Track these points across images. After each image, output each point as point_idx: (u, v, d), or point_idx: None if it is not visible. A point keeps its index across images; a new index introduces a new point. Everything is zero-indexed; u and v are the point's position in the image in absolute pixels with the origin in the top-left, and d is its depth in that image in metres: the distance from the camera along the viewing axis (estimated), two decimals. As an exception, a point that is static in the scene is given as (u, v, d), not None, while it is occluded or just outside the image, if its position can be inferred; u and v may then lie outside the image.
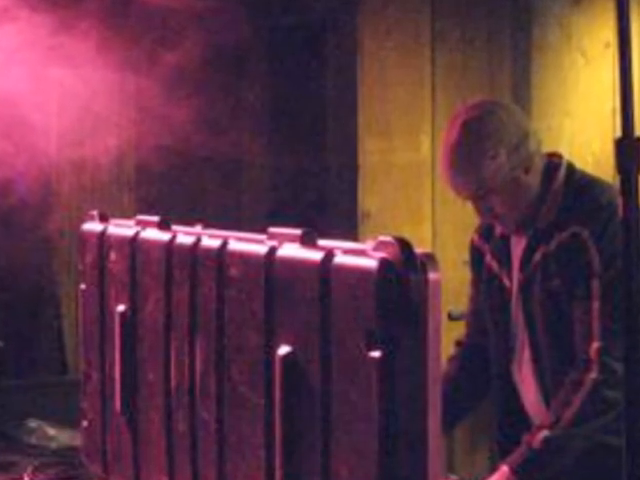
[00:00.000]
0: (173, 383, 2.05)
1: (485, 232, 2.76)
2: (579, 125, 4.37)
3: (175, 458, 2.06)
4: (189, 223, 2.18)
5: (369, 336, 1.51)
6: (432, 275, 1.50)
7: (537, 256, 2.57)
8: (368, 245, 1.56)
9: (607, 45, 4.30)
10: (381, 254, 1.51)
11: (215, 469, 1.92)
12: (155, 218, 2.18)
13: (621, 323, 1.75)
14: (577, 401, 2.43)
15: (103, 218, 2.40)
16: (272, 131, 4.64)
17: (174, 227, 2.14)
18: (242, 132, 4.59)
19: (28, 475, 2.88)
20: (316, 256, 1.63)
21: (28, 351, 4.35)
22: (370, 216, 4.23)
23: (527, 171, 2.55)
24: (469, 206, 2.62)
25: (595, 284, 2.45)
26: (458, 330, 2.92)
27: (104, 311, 2.33)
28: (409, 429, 1.49)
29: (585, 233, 2.49)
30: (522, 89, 4.34)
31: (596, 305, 2.45)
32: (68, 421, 3.18)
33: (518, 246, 2.64)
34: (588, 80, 4.35)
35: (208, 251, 1.92)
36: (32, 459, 3.06)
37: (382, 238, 1.53)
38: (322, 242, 1.68)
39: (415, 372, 1.49)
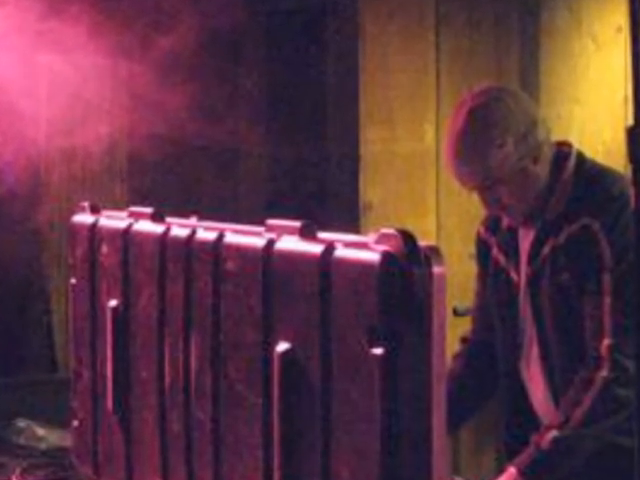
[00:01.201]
0: (167, 381, 2.05)
1: (492, 224, 2.74)
2: (589, 113, 4.38)
3: (169, 459, 2.06)
4: (184, 215, 2.17)
5: (371, 332, 1.50)
6: (437, 269, 1.49)
7: (546, 249, 2.56)
8: (370, 238, 1.55)
9: (619, 30, 4.31)
10: (383, 247, 1.50)
11: (211, 470, 1.91)
12: (148, 210, 2.18)
13: (633, 319, 1.74)
14: (587, 400, 2.42)
15: (94, 209, 2.41)
16: (270, 119, 4.65)
17: (168, 219, 2.14)
18: (239, 120, 4.62)
19: (16, 477, 2.95)
20: (316, 249, 1.61)
21: (16, 348, 4.42)
22: (372, 208, 4.23)
23: (535, 161, 2.53)
24: (475, 197, 2.61)
25: (606, 278, 2.44)
26: (464, 326, 2.93)
27: (95, 306, 2.34)
28: (412, 429, 1.48)
29: (596, 225, 2.47)
30: (530, 75, 4.36)
31: (607, 300, 2.43)
32: (58, 421, 3.22)
33: (526, 239, 2.62)
34: (599, 66, 4.37)
35: (204, 244, 1.91)
36: (21, 460, 3.10)
37: (385, 230, 1.52)
38: (322, 235, 1.68)
39: (419, 370, 1.47)
